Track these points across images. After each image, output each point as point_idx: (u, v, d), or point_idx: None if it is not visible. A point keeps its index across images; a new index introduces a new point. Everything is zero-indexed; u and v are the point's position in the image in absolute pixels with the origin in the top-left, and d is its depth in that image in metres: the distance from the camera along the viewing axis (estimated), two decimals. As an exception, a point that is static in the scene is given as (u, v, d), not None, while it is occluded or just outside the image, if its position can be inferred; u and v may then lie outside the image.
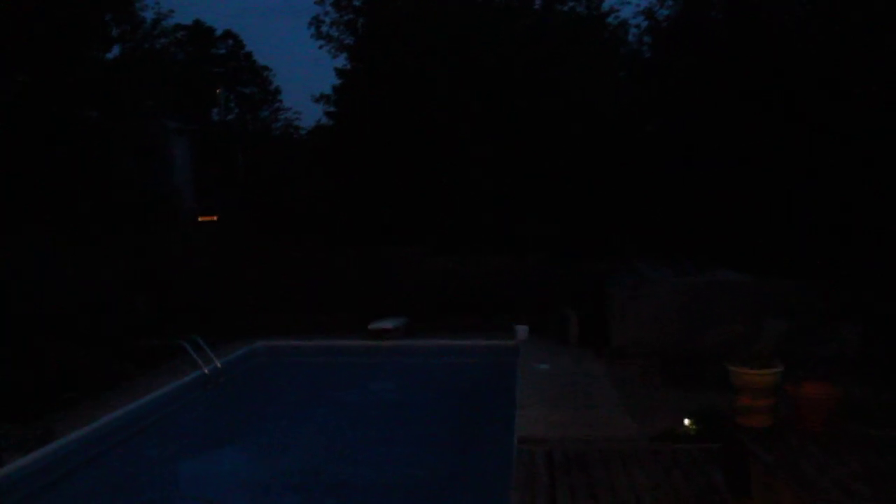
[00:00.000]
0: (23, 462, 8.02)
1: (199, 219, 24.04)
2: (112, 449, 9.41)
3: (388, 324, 14.51)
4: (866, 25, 15.10)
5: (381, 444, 10.24)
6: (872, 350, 11.42)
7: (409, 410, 11.93)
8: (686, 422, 8.42)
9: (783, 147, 15.87)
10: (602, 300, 13.04)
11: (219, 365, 12.15)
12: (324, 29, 20.97)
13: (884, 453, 5.92)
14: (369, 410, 11.99)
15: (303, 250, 16.64)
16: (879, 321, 11.84)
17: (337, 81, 21.47)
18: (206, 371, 11.87)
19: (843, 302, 12.47)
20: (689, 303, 12.49)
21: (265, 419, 11.67)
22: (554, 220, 17.64)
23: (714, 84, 17.11)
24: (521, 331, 14.02)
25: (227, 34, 40.15)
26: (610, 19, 20.93)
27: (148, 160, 21.73)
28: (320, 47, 21.05)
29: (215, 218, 24.05)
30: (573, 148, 18.30)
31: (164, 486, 9.15)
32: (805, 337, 12.24)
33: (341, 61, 21.40)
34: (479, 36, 19.19)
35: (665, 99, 18.51)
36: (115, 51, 19.21)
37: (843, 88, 15.32)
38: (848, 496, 5.05)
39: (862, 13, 15.22)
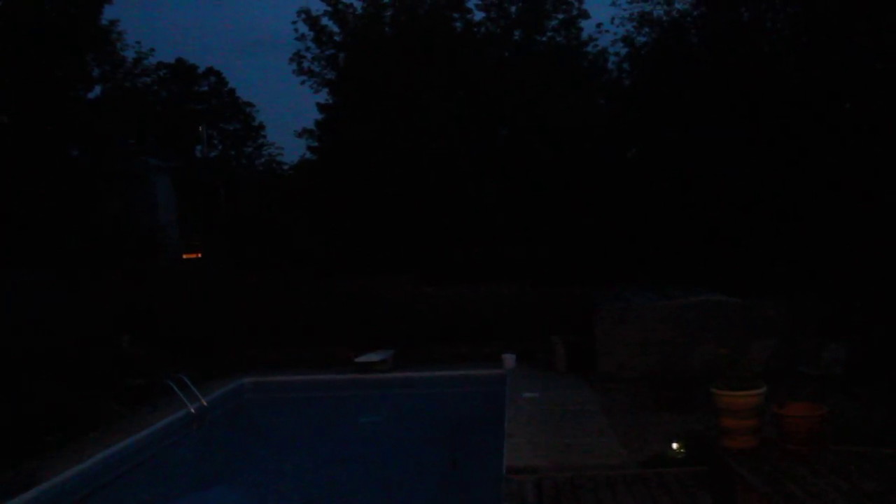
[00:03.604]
0: (5, 507, 7.88)
1: (184, 256, 23.95)
2: (97, 492, 9.27)
3: (375, 357, 14.45)
4: (845, 46, 15.30)
5: (371, 478, 10.16)
6: (859, 369, 11.45)
7: (398, 443, 11.85)
8: (674, 445, 8.41)
9: (766, 168, 16.00)
10: (588, 326, 13.03)
11: (205, 403, 12.07)
12: (305, 64, 21.10)
13: (871, 473, 5.91)
14: (358, 444, 11.90)
15: (288, 284, 16.61)
16: (866, 340, 11.88)
17: (319, 116, 21.57)
18: (192, 409, 11.78)
19: (829, 322, 12.51)
20: (676, 326, 12.51)
21: (253, 456, 11.55)
22: (539, 248, 17.70)
23: (693, 108, 17.28)
24: (509, 359, 13.98)
25: (210, 71, 40.27)
26: (589, 48, 21.18)
27: (131, 198, 21.68)
28: (302, 83, 21.18)
29: (199, 255, 23.97)
30: (557, 176, 18.42)
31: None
32: (792, 357, 12.31)
33: (323, 96, 21.54)
34: (460, 67, 19.35)
35: (645, 124, 18.67)
36: (97, 90, 19.23)
37: (825, 107, 15.49)
38: (835, 516, 5.04)
39: (841, 35, 15.42)
